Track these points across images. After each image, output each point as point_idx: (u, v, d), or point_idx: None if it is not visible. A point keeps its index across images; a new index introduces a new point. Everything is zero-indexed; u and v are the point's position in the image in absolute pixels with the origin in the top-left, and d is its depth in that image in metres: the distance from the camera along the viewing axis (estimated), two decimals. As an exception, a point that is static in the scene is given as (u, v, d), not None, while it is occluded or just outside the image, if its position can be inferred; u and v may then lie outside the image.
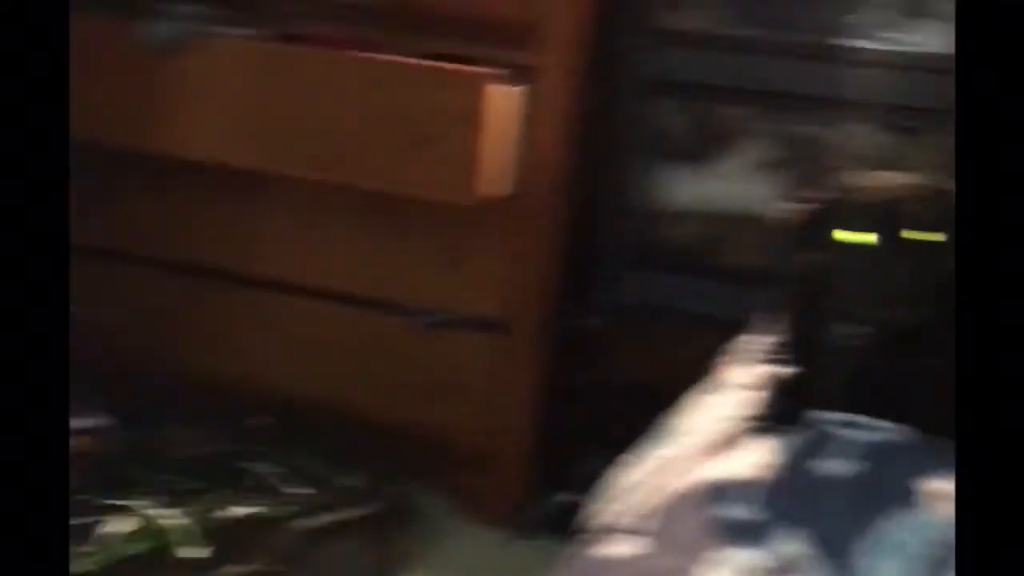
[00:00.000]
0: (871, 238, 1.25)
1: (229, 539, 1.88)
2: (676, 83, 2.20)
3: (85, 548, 1.82)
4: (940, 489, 1.19)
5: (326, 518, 1.96)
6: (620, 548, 1.20)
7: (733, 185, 2.27)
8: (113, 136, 2.23)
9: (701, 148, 2.34)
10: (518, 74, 2.07)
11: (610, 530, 1.25)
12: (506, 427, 2.17)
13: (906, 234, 1.25)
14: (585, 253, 2.25)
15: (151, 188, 2.36)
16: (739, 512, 1.20)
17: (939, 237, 1.25)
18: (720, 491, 1.23)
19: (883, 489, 1.20)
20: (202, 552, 1.84)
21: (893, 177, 1.30)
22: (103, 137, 2.24)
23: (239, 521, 1.93)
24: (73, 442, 2.24)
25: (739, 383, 1.46)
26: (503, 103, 2.04)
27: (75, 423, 2.25)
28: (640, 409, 1.80)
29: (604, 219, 2.23)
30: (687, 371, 1.59)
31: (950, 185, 1.32)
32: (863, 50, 2.09)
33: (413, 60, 2.08)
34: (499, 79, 2.02)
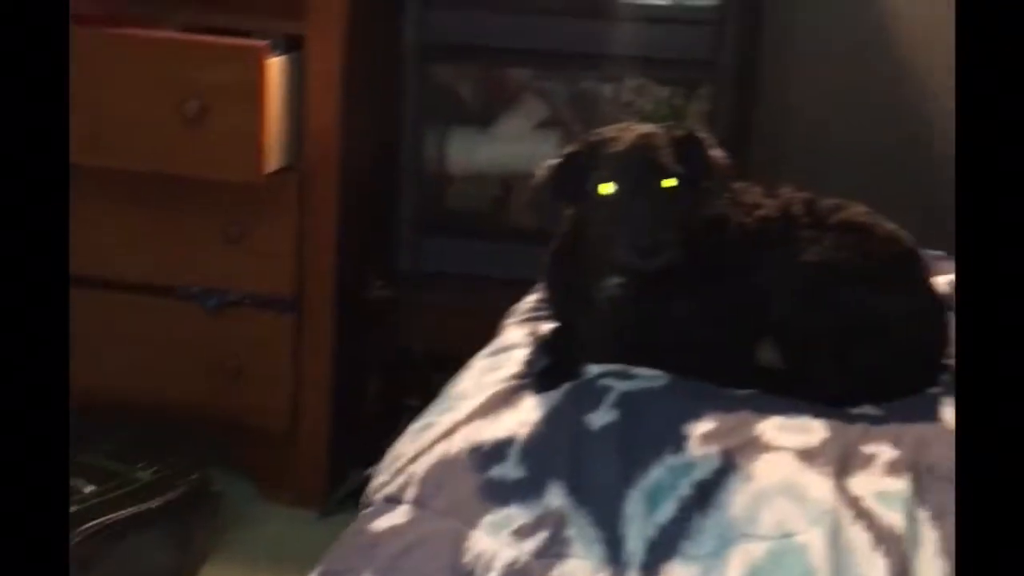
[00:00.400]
0: (617, 188, 1.26)
1: (18, 544, 1.81)
2: (454, 46, 2.19)
3: None
4: (701, 430, 1.22)
5: (121, 513, 1.91)
6: (391, 518, 1.19)
7: (517, 145, 2.28)
8: None
9: (485, 110, 2.34)
10: (286, 44, 2.03)
11: (384, 502, 1.24)
12: (304, 405, 2.14)
13: (654, 181, 1.27)
14: (375, 222, 2.23)
15: None
16: (506, 471, 1.21)
17: (673, 183, 1.27)
18: (487, 451, 1.24)
19: (646, 434, 1.22)
20: (-11, 560, 1.77)
21: (643, 128, 1.32)
22: None
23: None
24: None
25: (514, 343, 1.47)
26: (278, 75, 2.00)
27: None
28: (433, 376, 1.81)
29: (393, 186, 2.21)
30: (476, 335, 1.60)
31: (701, 133, 1.36)
32: (636, 5, 2.12)
33: (186, 35, 2.02)
34: (272, 51, 1.98)
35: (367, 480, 1.36)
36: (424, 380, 2.15)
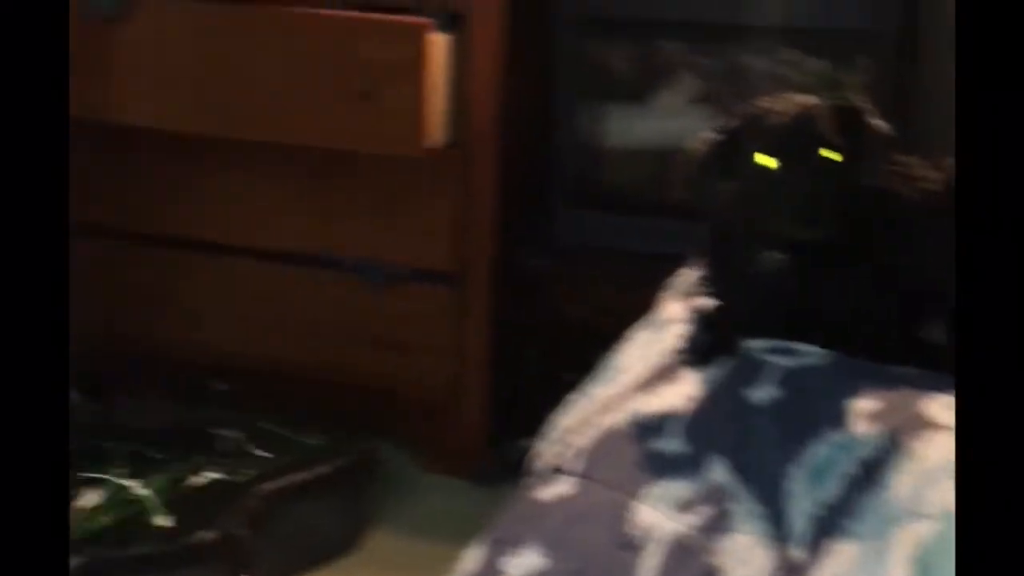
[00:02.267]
0: (777, 161, 1.25)
1: (196, 506, 1.91)
2: (609, 20, 2.20)
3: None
4: (865, 408, 1.22)
5: (290, 479, 1.99)
6: (556, 489, 1.22)
7: (672, 120, 2.28)
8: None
9: (639, 84, 2.34)
10: (449, 21, 2.07)
11: (549, 472, 1.27)
12: (462, 376, 2.19)
13: (815, 153, 1.26)
14: (530, 196, 2.26)
15: (94, 156, 2.36)
16: (669, 445, 1.23)
17: (838, 157, 1.25)
18: (650, 425, 1.26)
19: (810, 412, 1.22)
20: (170, 520, 1.87)
21: (803, 99, 1.31)
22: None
23: (205, 487, 1.96)
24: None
25: (673, 317, 1.48)
26: (441, 51, 2.04)
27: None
28: (590, 349, 1.83)
29: (547, 160, 2.24)
30: (631, 309, 1.61)
31: (862, 104, 1.34)
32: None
33: (353, 12, 2.08)
34: (435, 27, 2.02)
35: (525, 451, 1.40)
36: (579, 353, 2.17)
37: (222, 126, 2.15)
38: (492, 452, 2.21)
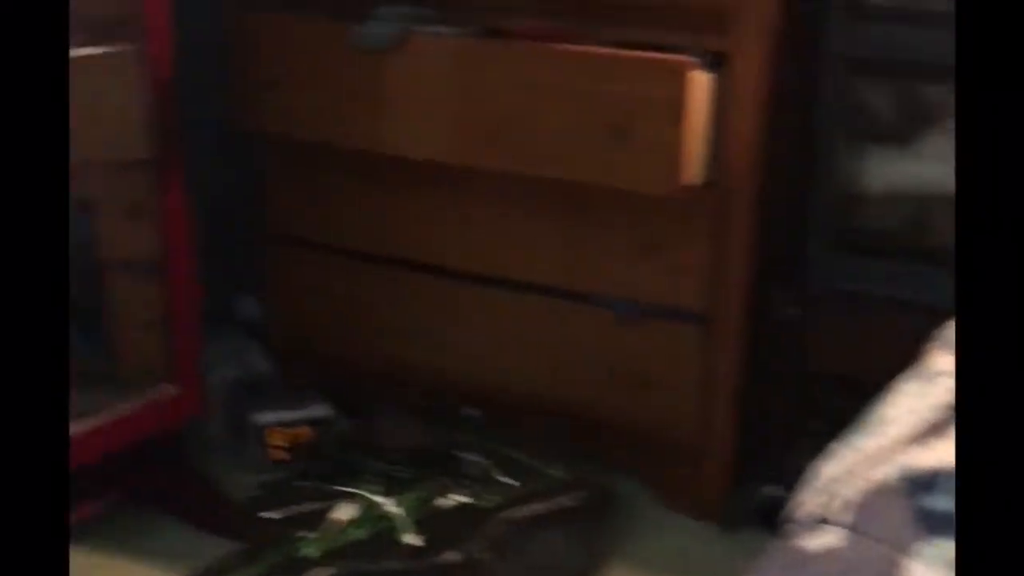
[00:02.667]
0: None
1: (443, 526, 1.96)
2: (875, 61, 2.15)
3: (311, 534, 1.93)
4: None
5: (534, 508, 2.01)
6: (822, 540, 1.19)
7: (936, 165, 2.21)
8: (320, 132, 2.35)
9: (904, 128, 2.28)
10: (711, 60, 2.06)
11: (812, 522, 1.25)
12: (710, 418, 2.17)
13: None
14: (786, 239, 2.23)
15: (360, 184, 2.46)
16: (941, 502, 1.18)
17: None
18: (921, 481, 1.21)
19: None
20: (418, 539, 1.92)
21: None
22: (309, 134, 2.36)
23: (451, 510, 2.00)
24: (295, 432, 2.37)
25: (944, 370, 1.43)
26: (704, 90, 2.04)
27: (299, 414, 2.39)
28: (844, 398, 1.79)
29: (805, 202, 2.20)
30: (892, 359, 1.57)
31: None
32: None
33: (614, 50, 2.10)
34: (698, 66, 2.02)
35: (769, 497, 1.37)
36: (825, 402, 2.12)
37: (480, 157, 2.21)
38: (735, 496, 2.18)
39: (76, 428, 2.02)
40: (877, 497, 1.22)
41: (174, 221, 2.18)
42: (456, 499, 2.04)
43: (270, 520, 1.98)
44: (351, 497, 2.03)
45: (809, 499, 1.32)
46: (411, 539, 1.92)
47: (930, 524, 1.17)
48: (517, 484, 2.07)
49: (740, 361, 2.14)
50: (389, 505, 2.01)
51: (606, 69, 2.07)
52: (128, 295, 2.28)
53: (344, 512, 2.00)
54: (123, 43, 2.07)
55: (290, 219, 2.56)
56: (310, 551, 1.89)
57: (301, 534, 1.93)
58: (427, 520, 1.97)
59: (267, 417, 2.38)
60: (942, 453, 1.24)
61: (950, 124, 2.24)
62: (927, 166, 2.23)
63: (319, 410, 2.41)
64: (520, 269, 2.31)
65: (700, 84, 2.03)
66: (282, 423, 2.38)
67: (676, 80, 2.00)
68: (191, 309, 2.21)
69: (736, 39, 2.04)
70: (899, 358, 1.54)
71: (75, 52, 2.04)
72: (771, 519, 1.44)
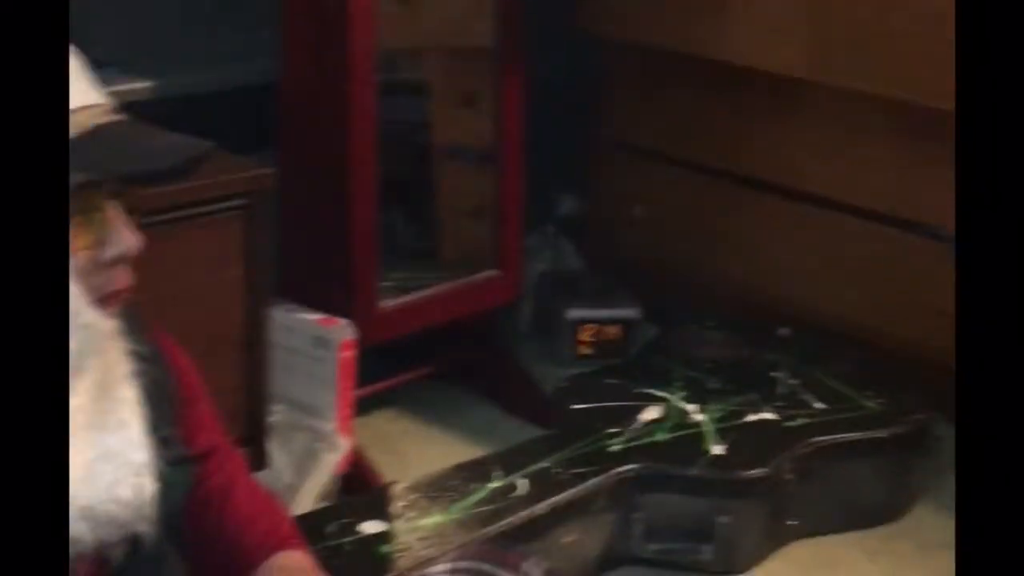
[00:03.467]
0: None
1: (748, 442, 1.94)
2: None
3: (616, 430, 1.95)
4: None
5: (843, 436, 1.96)
6: None
7: None
8: (660, 38, 2.33)
9: None
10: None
11: None
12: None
13: None
14: None
15: (696, 94, 2.43)
16: None
17: None
18: None
19: None
20: (722, 450, 1.91)
21: None
22: (649, 38, 2.34)
23: (759, 426, 1.98)
24: (604, 330, 2.39)
25: None
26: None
27: (608, 313, 2.42)
28: None
29: None
30: None
31: None
32: None
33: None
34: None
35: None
36: None
37: (829, 72, 2.13)
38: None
39: (398, 301, 2.11)
40: None
41: (510, 111, 2.22)
42: (764, 416, 2.01)
43: (578, 411, 2.01)
44: (657, 400, 2.04)
45: None
46: (716, 449, 1.92)
47: None
48: (827, 409, 2.02)
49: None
50: (695, 413, 2.01)
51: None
52: (457, 180, 2.35)
53: (649, 413, 2.01)
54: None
55: (621, 124, 2.57)
56: (615, 446, 1.91)
57: (607, 429, 1.95)
58: (732, 433, 1.96)
59: (577, 313, 2.41)
60: None
61: None
62: None
63: (629, 311, 2.42)
64: (850, 191, 2.23)
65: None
66: (591, 320, 2.41)
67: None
68: (517, 199, 2.26)
69: None
70: None
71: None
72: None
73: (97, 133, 0.98)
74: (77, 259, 0.98)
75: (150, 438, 1.06)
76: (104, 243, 0.99)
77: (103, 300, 1.01)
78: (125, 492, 1.01)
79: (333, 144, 1.97)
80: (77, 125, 0.97)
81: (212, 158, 1.05)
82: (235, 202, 1.69)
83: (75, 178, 0.95)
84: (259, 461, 1.77)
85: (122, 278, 1.01)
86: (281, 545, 1.19)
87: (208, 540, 1.16)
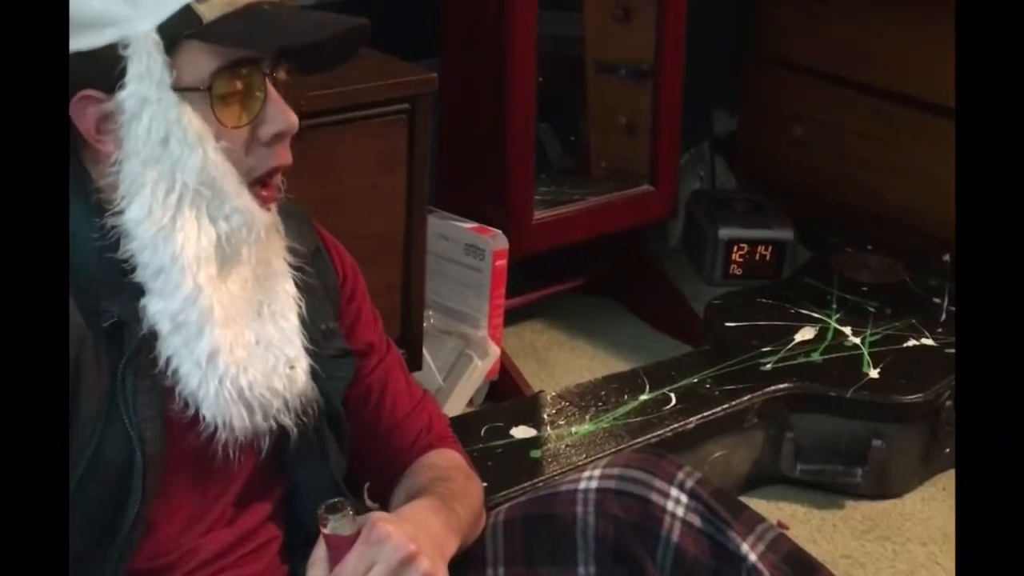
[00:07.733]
0: None
1: (905, 367, 1.90)
2: None
3: (768, 348, 1.92)
4: None
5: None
6: None
7: None
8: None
9: None
10: None
11: None
12: None
13: None
14: None
15: (862, 8, 2.35)
16: None
17: None
18: None
19: None
20: (877, 373, 1.87)
21: None
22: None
23: (918, 352, 1.93)
24: (756, 250, 2.35)
25: None
26: None
27: (761, 233, 2.37)
28: None
29: None
30: None
31: None
32: None
33: None
34: None
35: None
36: None
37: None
38: None
39: (551, 213, 2.11)
40: None
41: (668, 27, 2.17)
42: (924, 342, 1.95)
43: (731, 329, 1.99)
44: (813, 321, 2.00)
45: None
46: (872, 372, 1.87)
47: None
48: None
49: None
50: (851, 336, 1.97)
51: None
52: (613, 96, 2.32)
53: (804, 334, 1.97)
54: None
55: (780, 41, 2.50)
56: (766, 365, 1.89)
57: (760, 347, 1.92)
58: (890, 357, 1.91)
59: (729, 232, 2.37)
60: None
61: None
62: None
63: (782, 232, 2.38)
64: None
65: None
66: (744, 240, 2.37)
67: None
68: (674, 114, 2.22)
69: None
70: None
71: None
72: None
73: (250, 8, 0.98)
74: (233, 137, 0.98)
75: (312, 331, 1.08)
76: (262, 121, 0.99)
77: (259, 181, 1.01)
78: (278, 382, 1.04)
79: (494, 57, 1.97)
80: (229, 4, 0.97)
81: (374, 60, 1.03)
82: (400, 106, 1.70)
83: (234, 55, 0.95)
84: (415, 361, 1.80)
85: (281, 155, 1.01)
86: (436, 443, 1.21)
87: (366, 434, 1.19)
